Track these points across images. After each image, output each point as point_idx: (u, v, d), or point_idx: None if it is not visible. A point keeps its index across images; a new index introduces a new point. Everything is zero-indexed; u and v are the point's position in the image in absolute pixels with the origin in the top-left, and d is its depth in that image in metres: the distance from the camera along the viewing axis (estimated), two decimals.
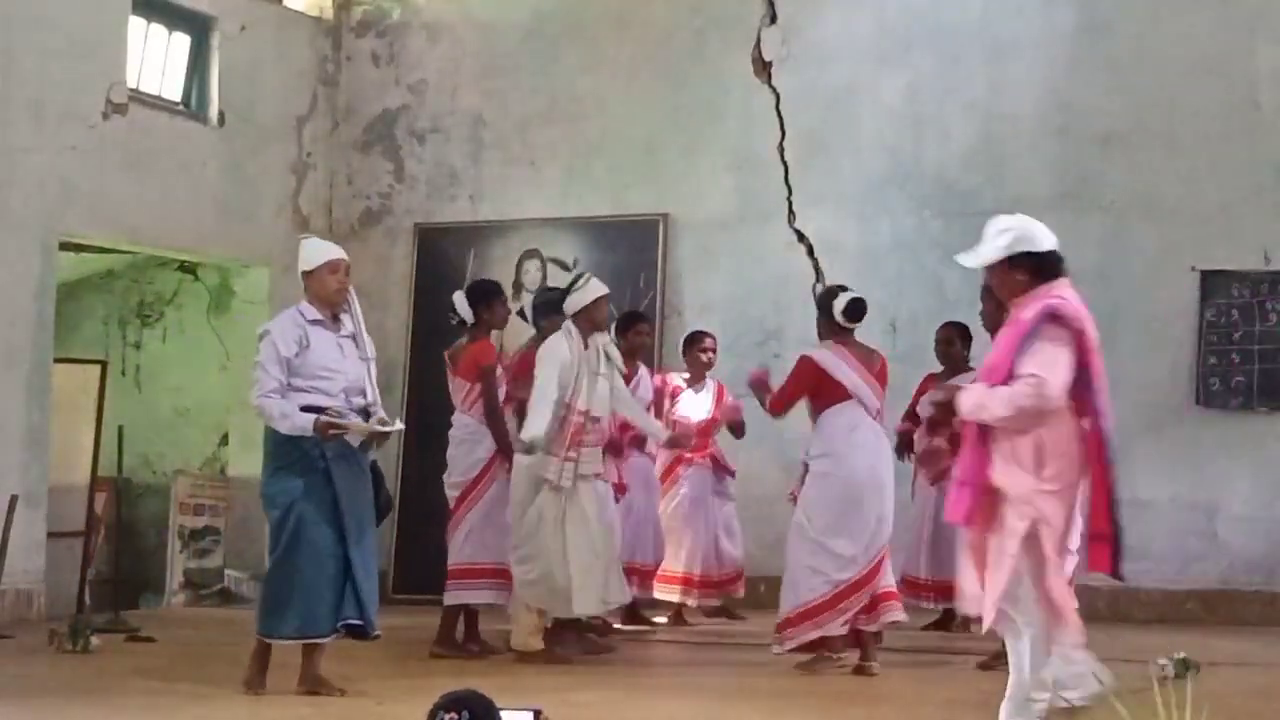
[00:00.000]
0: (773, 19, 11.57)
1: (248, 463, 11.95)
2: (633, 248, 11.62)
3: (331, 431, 6.66)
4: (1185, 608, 10.46)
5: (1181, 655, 7.11)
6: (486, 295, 8.70)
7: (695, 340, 10.14)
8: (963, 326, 9.69)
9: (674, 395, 9.99)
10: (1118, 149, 10.87)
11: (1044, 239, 5.75)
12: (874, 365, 7.88)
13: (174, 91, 11.44)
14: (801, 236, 11.42)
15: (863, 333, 10.81)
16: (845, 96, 11.43)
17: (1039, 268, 5.65)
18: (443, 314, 11.77)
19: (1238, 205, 10.61)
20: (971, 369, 9.44)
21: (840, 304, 7.92)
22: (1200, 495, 10.53)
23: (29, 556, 9.89)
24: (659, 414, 9.59)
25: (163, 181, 11.05)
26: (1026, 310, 5.51)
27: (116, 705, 6.73)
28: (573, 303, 8.14)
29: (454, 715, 4.31)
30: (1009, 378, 5.40)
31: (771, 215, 11.51)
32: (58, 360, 10.40)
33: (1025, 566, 5.42)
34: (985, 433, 5.50)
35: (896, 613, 7.82)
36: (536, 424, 7.81)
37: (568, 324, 8.11)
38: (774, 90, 11.54)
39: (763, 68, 11.58)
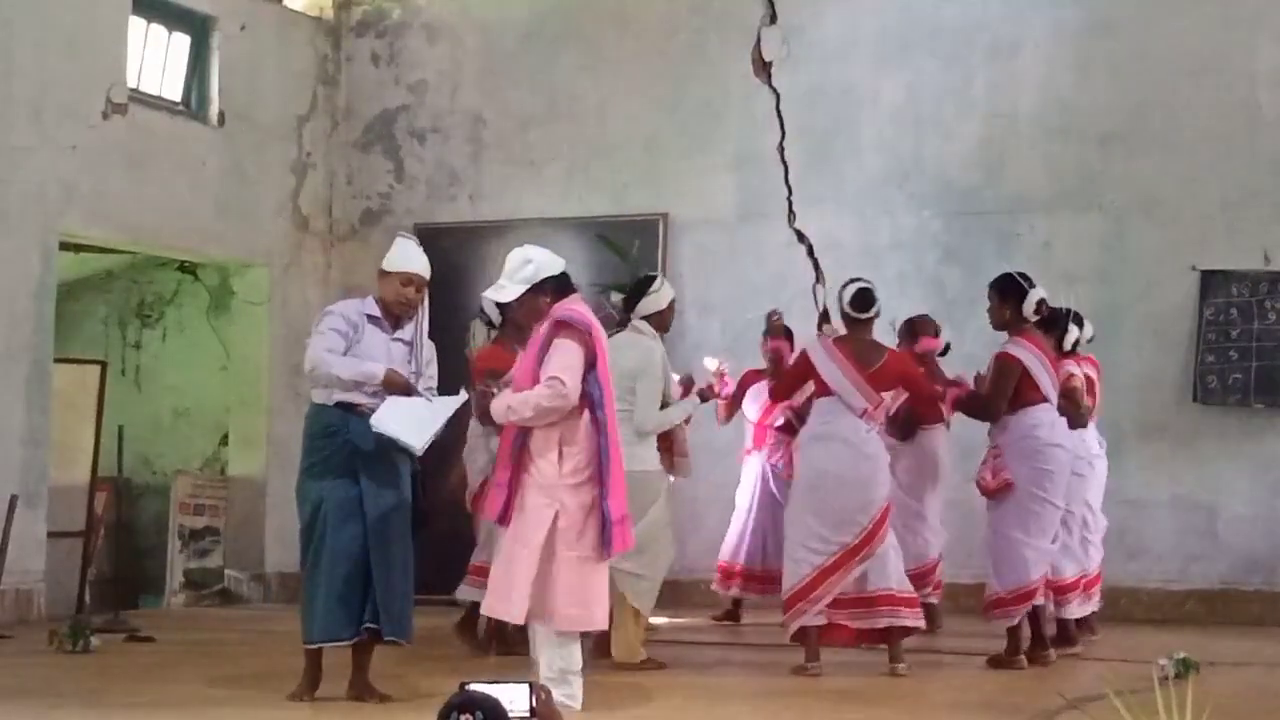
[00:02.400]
0: (773, 19, 11.58)
1: (248, 463, 11.99)
2: (633, 248, 11.59)
3: (394, 378, 6.56)
4: (1185, 608, 10.47)
5: (1181, 655, 7.10)
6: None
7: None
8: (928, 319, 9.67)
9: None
10: (1118, 149, 10.88)
11: (557, 263, 6.50)
12: (870, 364, 7.74)
13: (174, 91, 11.44)
14: (801, 236, 11.43)
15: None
16: (845, 96, 11.43)
17: (557, 289, 6.44)
18: (443, 314, 11.81)
19: (1238, 205, 10.62)
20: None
21: (846, 295, 7.89)
22: (1200, 495, 10.54)
23: (29, 556, 9.89)
24: None
25: (163, 181, 11.05)
26: (545, 329, 6.35)
27: (116, 705, 6.72)
28: (649, 304, 8.08)
29: (468, 716, 4.31)
30: (535, 383, 6.27)
31: (771, 215, 11.52)
32: (58, 360, 10.40)
33: (546, 555, 6.25)
34: (509, 435, 6.36)
35: (895, 618, 7.63)
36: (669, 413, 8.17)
37: (642, 324, 8.03)
38: (774, 90, 11.55)
39: (763, 68, 11.58)
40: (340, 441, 6.63)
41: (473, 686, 4.49)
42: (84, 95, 10.41)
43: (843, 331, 8.02)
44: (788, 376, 8.20)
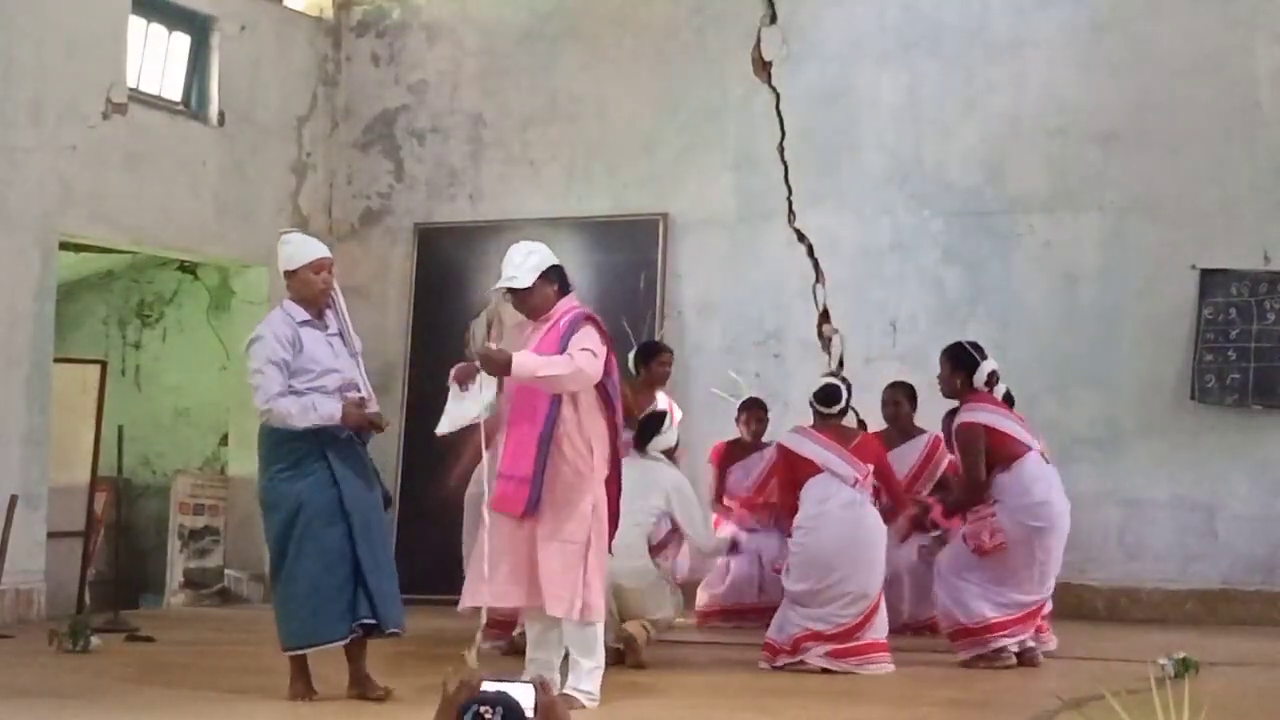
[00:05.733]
0: (773, 19, 11.57)
1: (248, 463, 11.91)
2: (633, 248, 11.61)
3: (367, 410, 6.67)
4: (1185, 608, 10.46)
5: (1181, 655, 7.11)
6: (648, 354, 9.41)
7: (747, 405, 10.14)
8: (910, 387, 9.76)
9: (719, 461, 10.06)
10: (1118, 149, 10.86)
11: (554, 256, 6.63)
12: (849, 441, 7.99)
13: (174, 91, 11.44)
14: (801, 236, 11.42)
15: (863, 332, 10.89)
16: (845, 96, 11.43)
17: (561, 281, 6.59)
18: (443, 314, 11.89)
19: (1238, 205, 10.61)
20: (923, 431, 9.56)
21: (813, 390, 8.16)
22: (1200, 495, 10.53)
23: (29, 556, 9.89)
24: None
25: (163, 181, 11.05)
26: (562, 319, 6.47)
27: (116, 705, 6.73)
28: (661, 443, 8.30)
29: (486, 709, 4.20)
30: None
31: (771, 215, 11.51)
32: (58, 360, 10.40)
33: (589, 552, 6.40)
34: (534, 429, 6.34)
35: (884, 666, 7.77)
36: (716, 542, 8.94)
37: (659, 455, 8.26)
38: (774, 90, 11.54)
39: (763, 68, 11.58)
40: (311, 444, 6.63)
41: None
42: (84, 95, 10.41)
43: (833, 347, 8.22)
44: (782, 483, 8.22)
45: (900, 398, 9.78)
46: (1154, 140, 10.78)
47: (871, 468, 7.92)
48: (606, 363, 6.50)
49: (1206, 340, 10.50)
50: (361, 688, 6.71)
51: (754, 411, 10.05)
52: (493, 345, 6.83)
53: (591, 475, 6.47)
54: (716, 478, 9.97)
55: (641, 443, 8.25)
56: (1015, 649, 7.93)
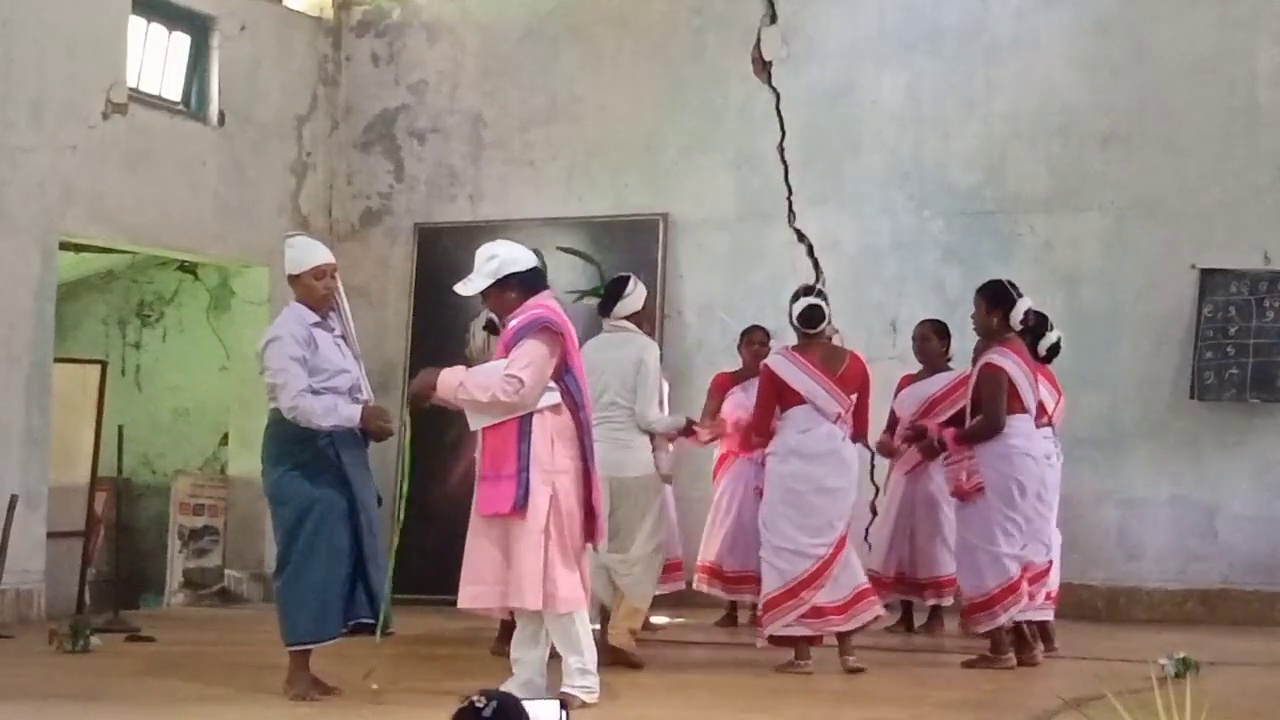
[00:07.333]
0: (773, 19, 11.58)
1: (248, 463, 11.94)
2: (633, 248, 11.61)
3: (380, 423, 6.75)
4: (1185, 608, 10.47)
5: (1181, 655, 7.11)
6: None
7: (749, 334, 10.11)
8: (940, 324, 9.76)
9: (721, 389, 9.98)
10: (1118, 149, 10.87)
11: (525, 259, 6.56)
12: (837, 368, 7.83)
13: (174, 91, 11.44)
14: (801, 236, 11.43)
15: (863, 332, 10.88)
16: (845, 96, 11.43)
17: (525, 284, 6.49)
18: (443, 314, 11.87)
19: (1238, 205, 10.61)
20: (951, 368, 9.57)
21: (795, 309, 7.95)
22: (1200, 494, 10.53)
23: (29, 556, 9.89)
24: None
25: (163, 181, 11.05)
26: (515, 319, 6.41)
27: (116, 705, 6.73)
28: (627, 306, 8.08)
29: (480, 699, 4.13)
30: None
31: (771, 215, 11.52)
32: (58, 360, 10.40)
33: (547, 540, 6.34)
34: (510, 427, 6.32)
35: (872, 610, 7.82)
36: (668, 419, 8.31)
37: (625, 324, 8.04)
38: (774, 90, 11.55)
39: (763, 68, 11.58)
40: (324, 442, 6.65)
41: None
42: (84, 95, 10.41)
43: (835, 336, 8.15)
44: (763, 402, 7.98)
45: (928, 332, 9.76)
46: (1154, 140, 10.78)
47: (854, 398, 7.84)
48: (565, 359, 6.43)
49: (1206, 339, 10.50)
50: (320, 688, 6.74)
51: (756, 335, 10.02)
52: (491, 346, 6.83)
53: (552, 468, 6.38)
54: (714, 402, 9.88)
55: (607, 308, 8.06)
56: (1023, 614, 7.94)
